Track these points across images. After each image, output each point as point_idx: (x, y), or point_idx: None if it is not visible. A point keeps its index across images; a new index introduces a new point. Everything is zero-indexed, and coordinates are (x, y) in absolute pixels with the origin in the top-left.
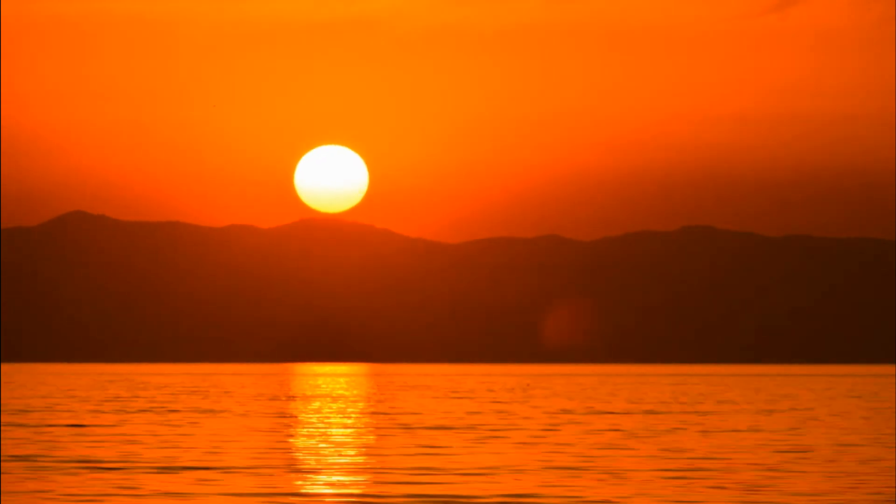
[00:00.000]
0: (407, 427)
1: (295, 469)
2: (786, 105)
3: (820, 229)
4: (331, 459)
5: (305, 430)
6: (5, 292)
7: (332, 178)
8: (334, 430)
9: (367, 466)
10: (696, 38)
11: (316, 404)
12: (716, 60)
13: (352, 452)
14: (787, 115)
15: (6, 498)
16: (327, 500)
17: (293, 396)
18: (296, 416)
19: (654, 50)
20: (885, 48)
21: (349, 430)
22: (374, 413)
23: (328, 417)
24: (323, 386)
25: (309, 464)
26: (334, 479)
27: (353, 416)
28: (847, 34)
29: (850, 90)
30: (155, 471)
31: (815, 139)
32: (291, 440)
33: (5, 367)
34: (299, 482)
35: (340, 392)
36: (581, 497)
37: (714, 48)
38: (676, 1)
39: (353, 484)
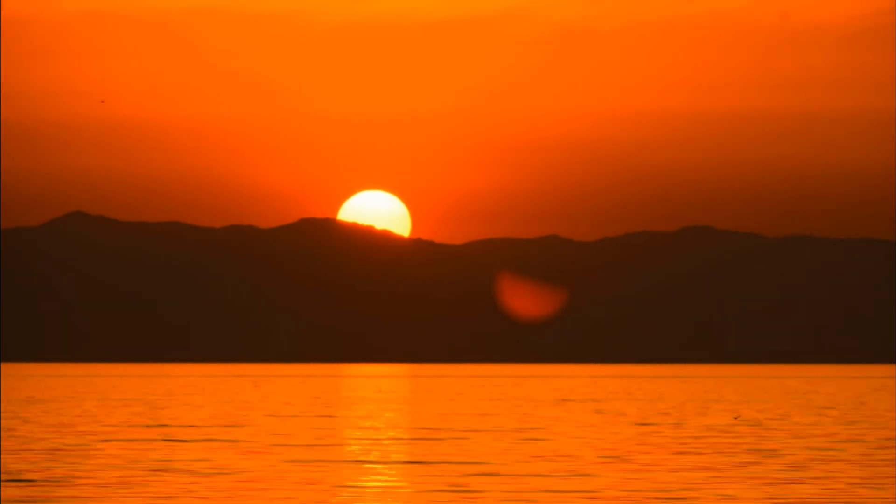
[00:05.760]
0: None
1: None
2: (785, 104)
3: (820, 229)
4: None
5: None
6: (5, 292)
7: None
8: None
9: None
10: (688, 33)
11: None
12: (693, 57)
13: None
14: (787, 114)
15: None
16: None
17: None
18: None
19: (659, 46)
20: (881, 45)
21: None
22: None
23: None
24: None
25: None
26: None
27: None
28: (845, 29)
29: (850, 88)
30: None
31: (815, 138)
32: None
33: (5, 367)
34: None
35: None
36: None
37: (708, 47)
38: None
39: None
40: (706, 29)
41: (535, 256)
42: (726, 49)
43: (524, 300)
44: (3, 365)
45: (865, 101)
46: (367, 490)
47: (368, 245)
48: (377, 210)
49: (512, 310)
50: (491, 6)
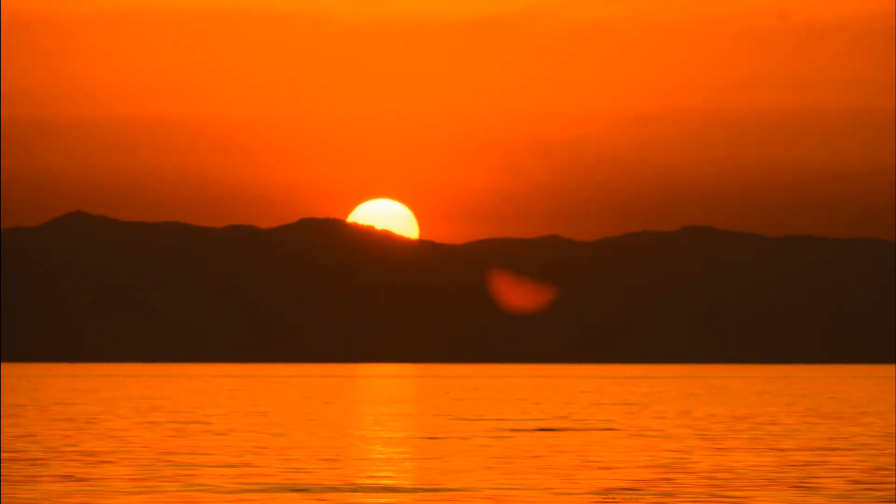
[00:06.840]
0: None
1: None
2: (785, 104)
3: (820, 229)
4: None
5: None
6: (5, 292)
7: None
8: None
9: None
10: (674, 33)
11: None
12: (692, 57)
13: None
14: (787, 114)
15: None
16: None
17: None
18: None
19: (654, 45)
20: (881, 45)
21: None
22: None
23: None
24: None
25: None
26: None
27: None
28: (845, 30)
29: (850, 88)
30: None
31: (815, 138)
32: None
33: (5, 367)
34: None
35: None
36: None
37: (706, 48)
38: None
39: None
40: (704, 30)
41: (536, 256)
42: (726, 50)
43: (516, 296)
44: (3, 365)
45: (865, 101)
46: None
47: (369, 245)
48: (386, 216)
49: (505, 304)
50: (502, 7)
